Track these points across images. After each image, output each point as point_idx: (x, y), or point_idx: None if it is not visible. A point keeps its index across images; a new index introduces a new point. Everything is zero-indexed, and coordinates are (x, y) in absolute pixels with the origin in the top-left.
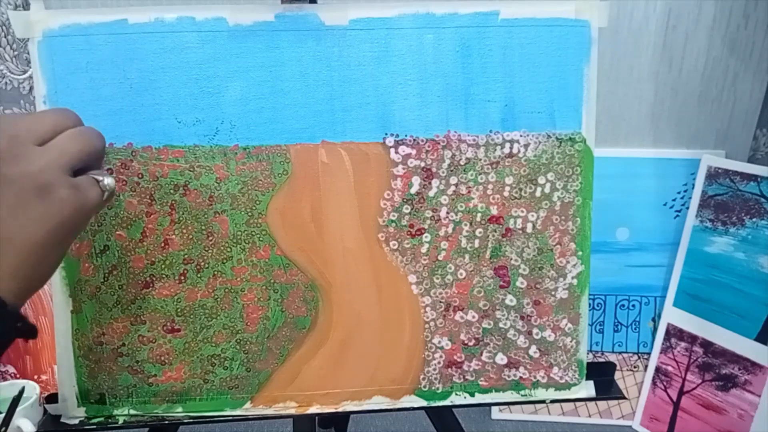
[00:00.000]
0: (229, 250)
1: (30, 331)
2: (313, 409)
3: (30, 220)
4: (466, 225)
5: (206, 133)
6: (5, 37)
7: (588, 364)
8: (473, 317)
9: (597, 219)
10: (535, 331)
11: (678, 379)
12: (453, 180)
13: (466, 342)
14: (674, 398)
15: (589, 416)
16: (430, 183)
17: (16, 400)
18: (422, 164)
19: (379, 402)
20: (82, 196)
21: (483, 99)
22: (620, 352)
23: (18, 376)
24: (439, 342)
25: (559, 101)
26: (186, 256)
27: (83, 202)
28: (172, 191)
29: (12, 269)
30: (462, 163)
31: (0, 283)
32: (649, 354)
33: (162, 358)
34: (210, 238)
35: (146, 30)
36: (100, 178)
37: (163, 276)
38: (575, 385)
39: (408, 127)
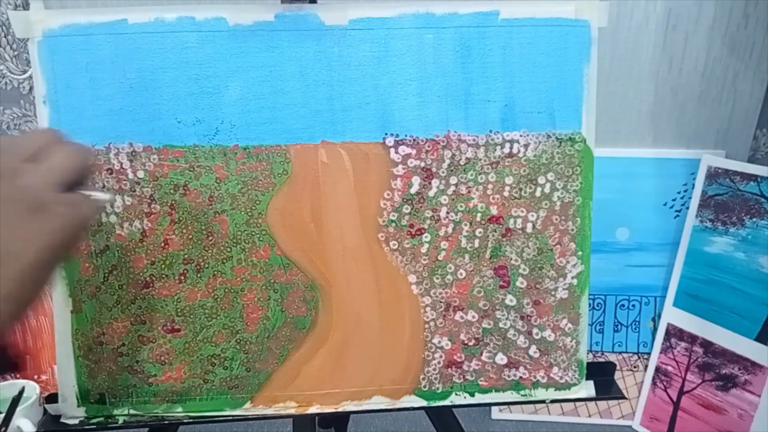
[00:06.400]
0: (229, 250)
1: (11, 366)
2: (313, 409)
3: (24, 239)
4: (466, 225)
5: (206, 133)
6: (5, 37)
7: (588, 364)
8: (473, 317)
9: (597, 219)
10: (535, 331)
11: (678, 379)
12: (453, 180)
13: (466, 342)
14: (674, 398)
15: (589, 416)
16: (430, 183)
17: (16, 400)
18: (422, 164)
19: (379, 402)
20: (75, 213)
21: (483, 99)
22: (620, 352)
23: (18, 376)
24: (439, 342)
25: (559, 101)
26: (186, 256)
27: (76, 218)
28: (172, 191)
29: (6, 292)
30: (462, 163)
31: None
32: (649, 354)
33: (162, 358)
34: (210, 238)
35: (146, 30)
36: (91, 193)
37: (163, 276)
38: (575, 385)
39: (408, 127)
